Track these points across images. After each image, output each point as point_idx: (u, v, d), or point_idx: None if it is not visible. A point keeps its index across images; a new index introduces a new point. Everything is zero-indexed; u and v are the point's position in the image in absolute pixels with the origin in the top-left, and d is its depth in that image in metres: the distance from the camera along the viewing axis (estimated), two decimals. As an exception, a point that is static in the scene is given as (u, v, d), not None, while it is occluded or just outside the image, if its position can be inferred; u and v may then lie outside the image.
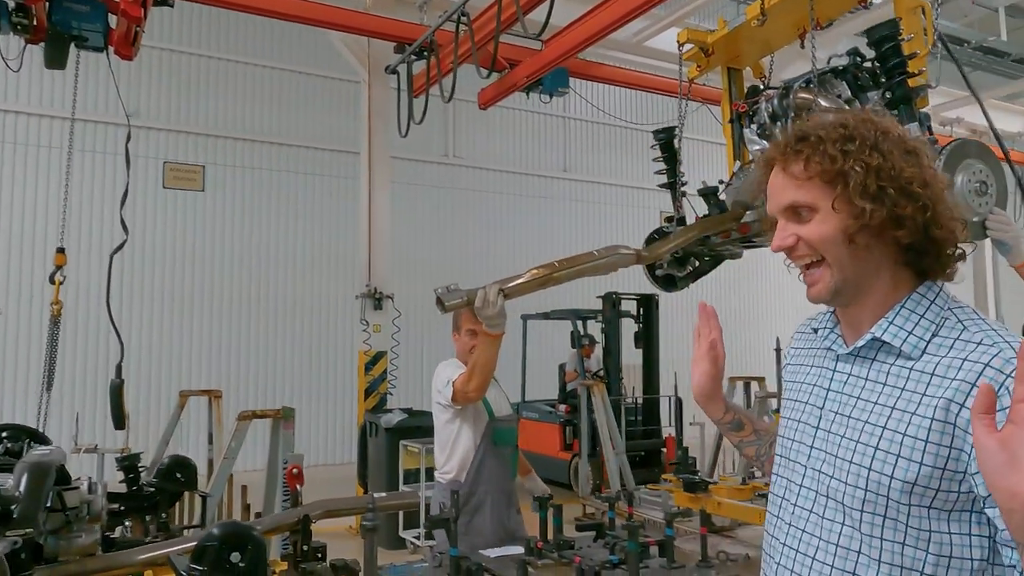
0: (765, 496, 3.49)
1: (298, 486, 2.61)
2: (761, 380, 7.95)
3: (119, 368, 4.28)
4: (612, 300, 9.19)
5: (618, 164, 14.30)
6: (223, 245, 10.69)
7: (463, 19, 5.66)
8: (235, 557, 1.77)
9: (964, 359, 1.14)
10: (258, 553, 1.82)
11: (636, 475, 7.54)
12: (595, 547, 3.21)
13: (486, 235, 12.57)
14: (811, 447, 1.27)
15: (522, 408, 9.46)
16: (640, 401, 9.36)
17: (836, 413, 1.25)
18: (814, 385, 1.31)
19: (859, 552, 1.17)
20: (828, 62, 3.34)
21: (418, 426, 7.07)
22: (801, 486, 1.27)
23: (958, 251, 1.22)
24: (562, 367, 9.78)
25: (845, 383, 1.26)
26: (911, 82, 3.04)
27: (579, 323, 9.48)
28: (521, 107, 12.26)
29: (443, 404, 3.26)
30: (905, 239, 1.19)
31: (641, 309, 9.42)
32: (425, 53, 6.78)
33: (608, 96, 12.61)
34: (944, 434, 1.12)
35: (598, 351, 9.53)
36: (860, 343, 1.24)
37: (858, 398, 1.23)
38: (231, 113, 10.95)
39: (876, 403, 1.20)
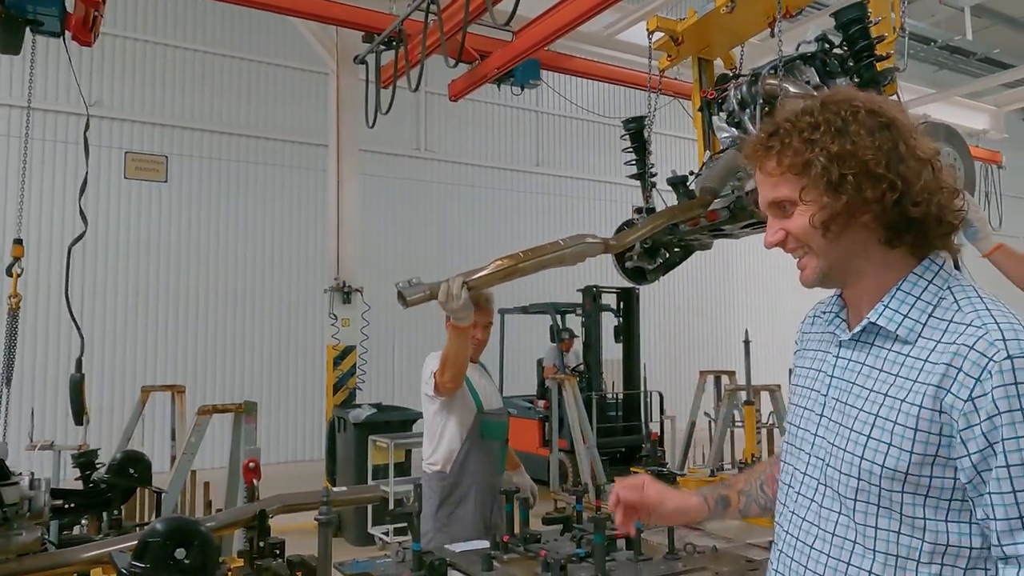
0: (732, 488, 3.47)
1: (255, 481, 2.53)
2: (731, 374, 7.99)
3: (79, 363, 4.17)
4: (592, 293, 9.03)
5: (590, 158, 14.30)
6: (187, 237, 10.48)
7: (432, 8, 5.57)
8: (180, 553, 1.70)
9: (952, 342, 1.12)
10: (205, 549, 1.75)
11: (616, 471, 7.52)
12: (562, 540, 3.18)
13: (458, 229, 12.49)
14: (814, 435, 1.26)
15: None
16: (620, 396, 9.22)
17: (836, 400, 1.24)
18: (819, 371, 1.30)
19: (854, 542, 1.16)
20: (797, 48, 3.33)
21: (387, 421, 7.01)
22: (805, 474, 1.27)
23: (955, 220, 1.19)
24: (540, 362, 9.66)
25: (845, 369, 1.25)
26: (879, 65, 3.03)
27: (558, 317, 9.34)
28: (493, 100, 12.20)
29: (429, 395, 3.23)
30: (875, 222, 1.17)
31: (621, 303, 9.26)
32: (394, 43, 6.68)
33: (580, 90, 12.60)
34: (933, 422, 1.10)
35: (578, 345, 9.43)
36: (858, 329, 1.24)
37: (855, 384, 1.22)
38: (195, 103, 10.73)
39: (871, 390, 1.19)
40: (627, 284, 8.93)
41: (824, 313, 1.36)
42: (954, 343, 1.12)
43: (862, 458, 1.15)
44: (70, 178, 9.60)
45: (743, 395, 7.09)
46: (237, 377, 10.61)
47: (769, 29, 3.70)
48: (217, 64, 10.93)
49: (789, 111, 1.23)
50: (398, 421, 7.10)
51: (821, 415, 1.26)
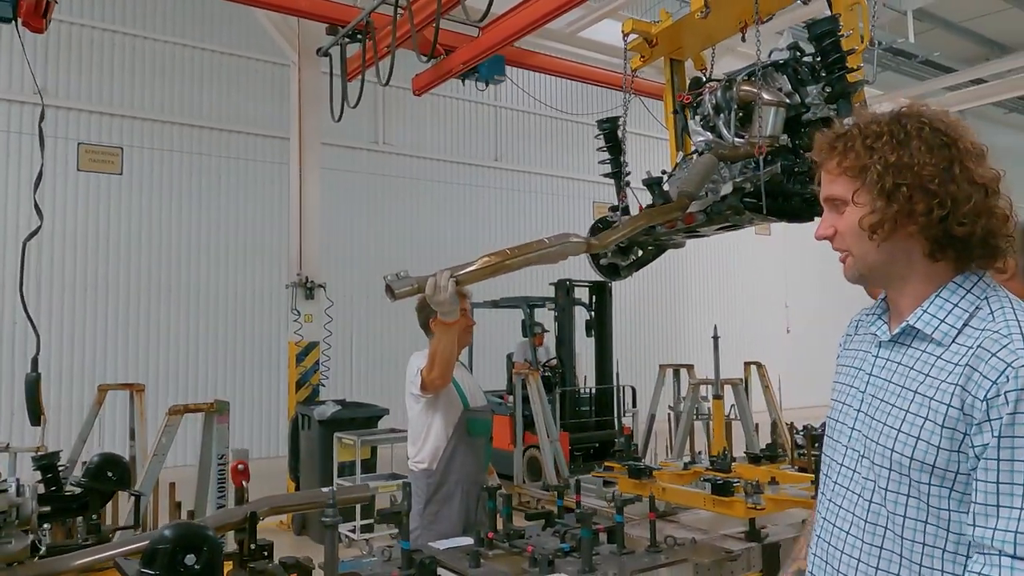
0: (709, 480, 3.57)
1: (244, 483, 2.50)
2: (690, 368, 8.14)
3: (35, 361, 4.02)
4: (565, 287, 8.89)
5: (550, 154, 14.37)
6: (144, 232, 10.18)
7: (401, 1, 5.53)
8: (190, 559, 1.68)
9: (978, 347, 1.19)
10: (213, 555, 1.73)
11: (588, 467, 7.56)
12: (545, 536, 3.22)
13: (418, 223, 12.43)
14: (852, 428, 1.34)
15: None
16: (593, 391, 9.09)
17: (873, 396, 1.31)
18: (859, 369, 1.37)
19: (886, 528, 1.24)
20: (769, 55, 3.40)
21: (352, 418, 6.96)
22: (842, 464, 1.34)
23: (1003, 244, 1.25)
24: (510, 356, 9.49)
25: (884, 368, 1.32)
26: (849, 77, 3.14)
27: (529, 311, 9.24)
28: (451, 94, 12.14)
29: (415, 394, 3.23)
30: (920, 233, 1.24)
31: (594, 297, 9.16)
32: (359, 36, 6.60)
33: (540, 85, 12.63)
34: (959, 420, 1.17)
35: (549, 340, 9.33)
36: (897, 331, 1.31)
37: (890, 382, 1.29)
38: (152, 93, 10.41)
39: (904, 387, 1.26)
40: (599, 278, 8.98)
41: (869, 315, 1.44)
42: (980, 347, 1.18)
43: (892, 450, 1.22)
44: (22, 170, 9.23)
45: (705, 389, 7.24)
46: (196, 374, 10.37)
47: (741, 33, 3.79)
48: (174, 53, 10.63)
49: (862, 118, 1.31)
50: (363, 418, 7.05)
51: (859, 410, 1.33)
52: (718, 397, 4.66)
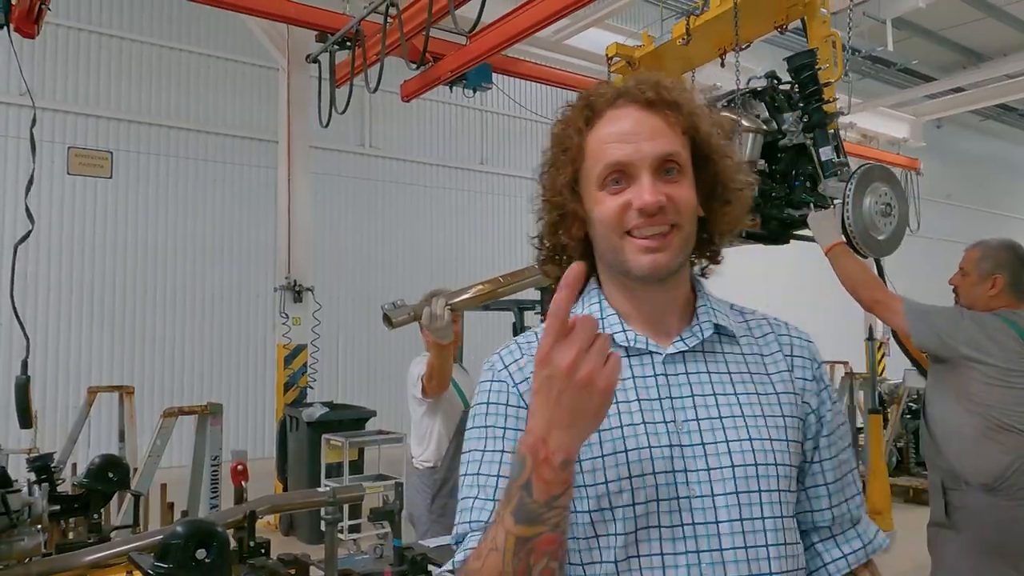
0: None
1: (244, 483, 2.61)
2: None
3: (24, 364, 4.08)
4: (553, 291, 9.14)
5: (536, 158, 14.37)
6: (133, 235, 10.20)
7: (391, 10, 5.63)
8: (201, 554, 1.79)
9: (772, 332, 1.14)
10: (223, 549, 1.84)
11: None
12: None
13: (405, 226, 12.52)
14: (673, 472, 1.00)
15: None
16: None
17: (696, 420, 1.03)
18: (639, 401, 1.04)
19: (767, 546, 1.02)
20: (747, 83, 3.53)
21: (340, 420, 7.04)
22: (694, 523, 0.99)
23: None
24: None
25: (685, 384, 1.05)
26: (826, 108, 3.28)
27: (519, 314, 9.41)
28: (438, 99, 12.24)
29: (417, 397, 3.39)
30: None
31: None
32: (348, 43, 6.69)
33: (525, 91, 12.76)
34: (796, 406, 1.08)
35: None
36: (705, 334, 1.08)
37: (714, 395, 1.05)
38: (141, 97, 10.43)
39: (736, 394, 1.05)
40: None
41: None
42: (774, 333, 1.13)
43: (756, 464, 1.02)
44: (9, 173, 9.23)
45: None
46: (186, 377, 10.40)
47: (720, 59, 3.96)
48: (163, 56, 10.65)
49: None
50: (351, 420, 7.14)
51: (685, 444, 1.02)
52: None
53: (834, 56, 3.44)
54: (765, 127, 3.41)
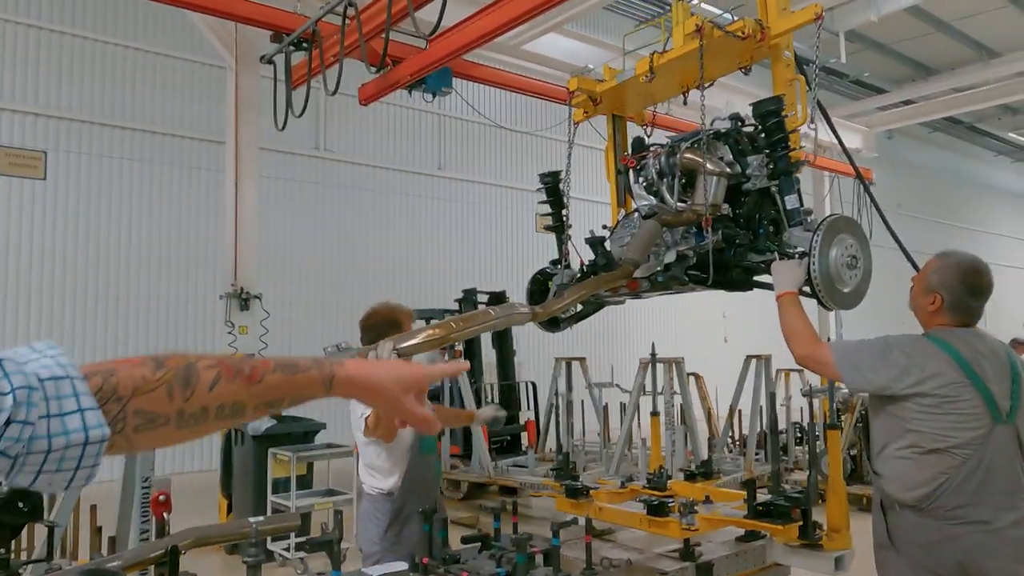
0: (645, 500, 3.58)
1: (165, 514, 2.39)
2: (582, 360, 8.25)
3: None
4: (472, 300, 9.23)
5: (494, 164, 14.37)
6: (69, 239, 9.75)
7: (350, 10, 5.44)
8: (99, 608, 1.58)
9: None
10: (125, 601, 1.64)
11: (500, 457, 8.17)
12: (480, 559, 3.18)
13: (358, 232, 12.26)
14: None
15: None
16: (496, 389, 9.58)
17: None
18: None
19: None
20: (711, 123, 3.42)
21: (288, 433, 6.79)
22: None
23: None
24: None
25: None
26: (792, 156, 3.20)
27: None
28: (394, 102, 12.04)
29: (363, 436, 3.19)
30: None
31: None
32: (305, 44, 6.47)
33: (483, 96, 12.63)
34: None
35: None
36: None
37: None
38: (79, 94, 10.00)
39: None
40: (496, 288, 9.34)
41: None
42: None
43: None
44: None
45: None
46: (122, 386, 9.99)
47: (683, 96, 3.88)
48: (102, 52, 10.23)
49: None
50: (300, 432, 6.89)
51: None
52: (655, 414, 4.71)
53: (798, 99, 3.38)
54: (729, 170, 3.30)
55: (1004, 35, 16.14)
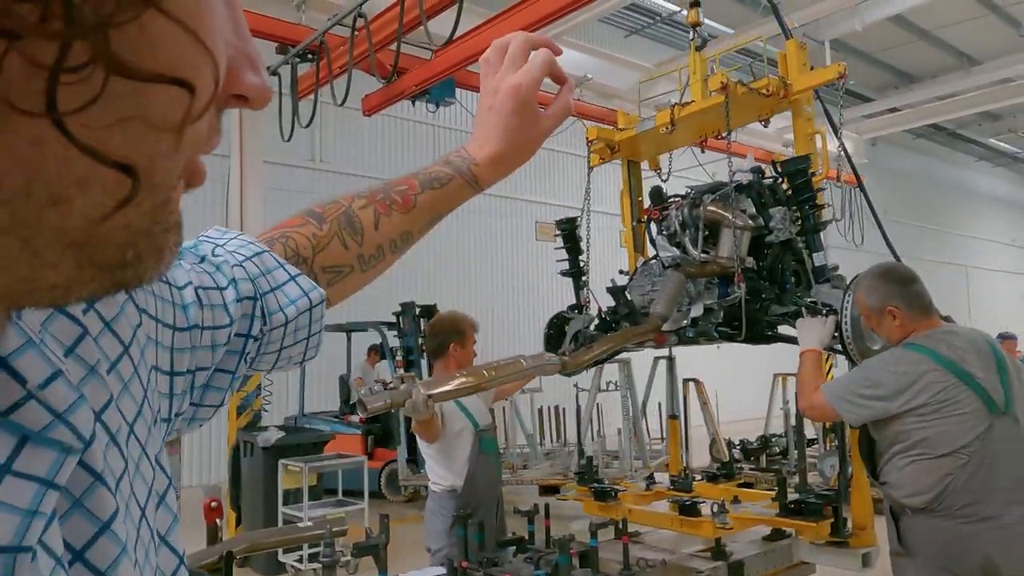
0: (676, 501, 3.64)
1: (218, 520, 2.41)
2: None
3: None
4: (412, 313, 8.98)
5: (490, 175, 14.42)
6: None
7: (359, 21, 5.50)
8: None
9: None
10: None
11: None
12: (517, 562, 3.22)
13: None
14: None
15: (305, 421, 9.18)
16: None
17: None
18: None
19: None
20: (732, 175, 3.44)
21: (298, 443, 6.77)
22: None
23: None
24: (343, 378, 9.91)
25: None
26: (819, 214, 3.28)
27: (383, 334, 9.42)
28: (391, 113, 12.08)
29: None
30: None
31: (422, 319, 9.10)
32: (311, 56, 6.52)
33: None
34: None
35: (384, 363, 9.50)
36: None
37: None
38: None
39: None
40: (428, 302, 9.11)
41: None
42: None
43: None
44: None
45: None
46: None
47: (701, 145, 3.97)
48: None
49: None
50: (310, 443, 6.88)
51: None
52: (673, 417, 4.78)
53: (819, 153, 3.49)
54: (753, 223, 3.35)
55: (985, 44, 16.48)
